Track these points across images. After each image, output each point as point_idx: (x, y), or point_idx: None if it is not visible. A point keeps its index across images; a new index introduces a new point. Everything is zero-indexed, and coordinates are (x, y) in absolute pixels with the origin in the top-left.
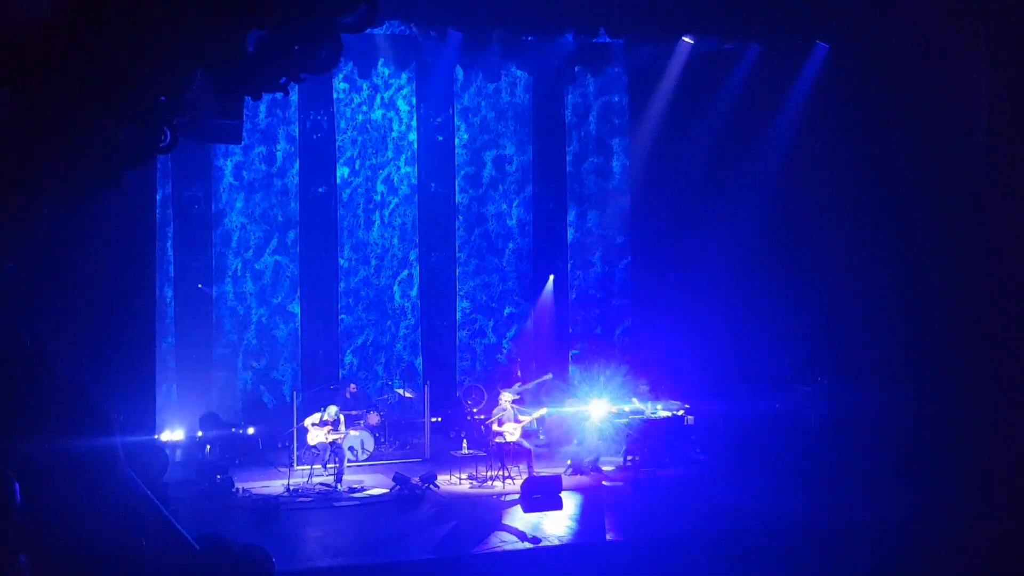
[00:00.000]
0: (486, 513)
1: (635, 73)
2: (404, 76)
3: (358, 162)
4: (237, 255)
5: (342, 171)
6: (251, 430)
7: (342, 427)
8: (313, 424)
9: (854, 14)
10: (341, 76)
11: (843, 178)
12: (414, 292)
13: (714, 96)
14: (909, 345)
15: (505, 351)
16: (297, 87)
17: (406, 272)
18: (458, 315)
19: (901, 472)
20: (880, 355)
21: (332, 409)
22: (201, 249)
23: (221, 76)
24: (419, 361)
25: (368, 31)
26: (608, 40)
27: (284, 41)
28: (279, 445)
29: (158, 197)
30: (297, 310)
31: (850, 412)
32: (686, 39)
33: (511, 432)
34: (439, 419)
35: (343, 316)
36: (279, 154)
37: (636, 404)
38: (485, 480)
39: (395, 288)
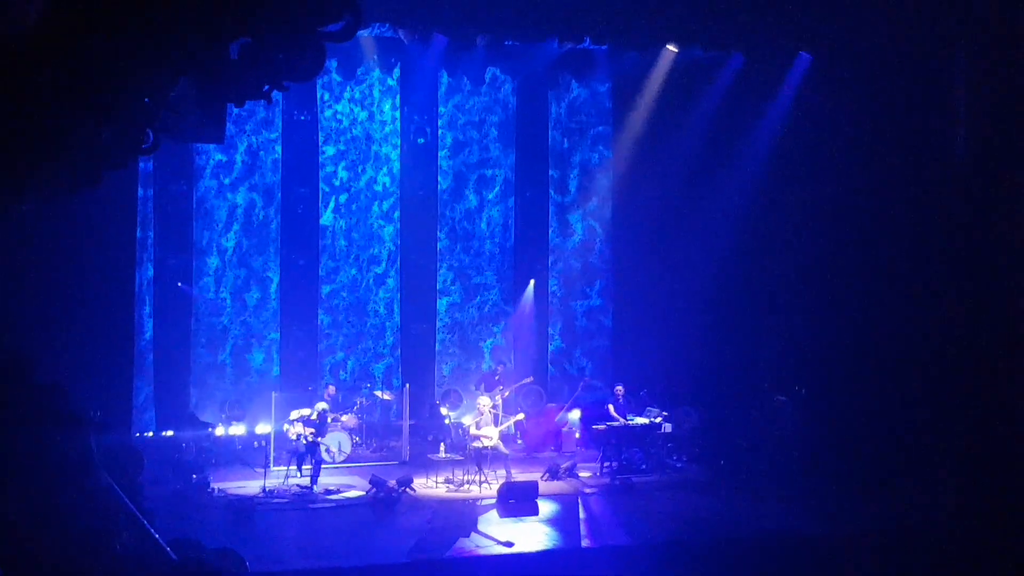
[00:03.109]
0: (462, 517)
1: (619, 80)
2: (389, 78)
3: (341, 163)
4: (217, 255)
5: (324, 172)
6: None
7: (327, 432)
8: (299, 419)
9: (837, 25)
10: (325, 77)
11: (824, 188)
12: (394, 294)
13: (697, 104)
14: (887, 354)
15: (485, 355)
16: None
17: (386, 274)
18: (438, 318)
19: (878, 481)
20: (858, 364)
21: (321, 405)
22: (181, 248)
23: (204, 83)
24: (398, 364)
25: None
26: (592, 47)
27: (268, 49)
28: (256, 445)
29: (139, 195)
30: (277, 310)
31: (827, 421)
32: (670, 47)
33: (489, 436)
34: (414, 422)
35: (323, 317)
36: (261, 154)
37: (612, 411)
38: (462, 484)
39: (376, 290)
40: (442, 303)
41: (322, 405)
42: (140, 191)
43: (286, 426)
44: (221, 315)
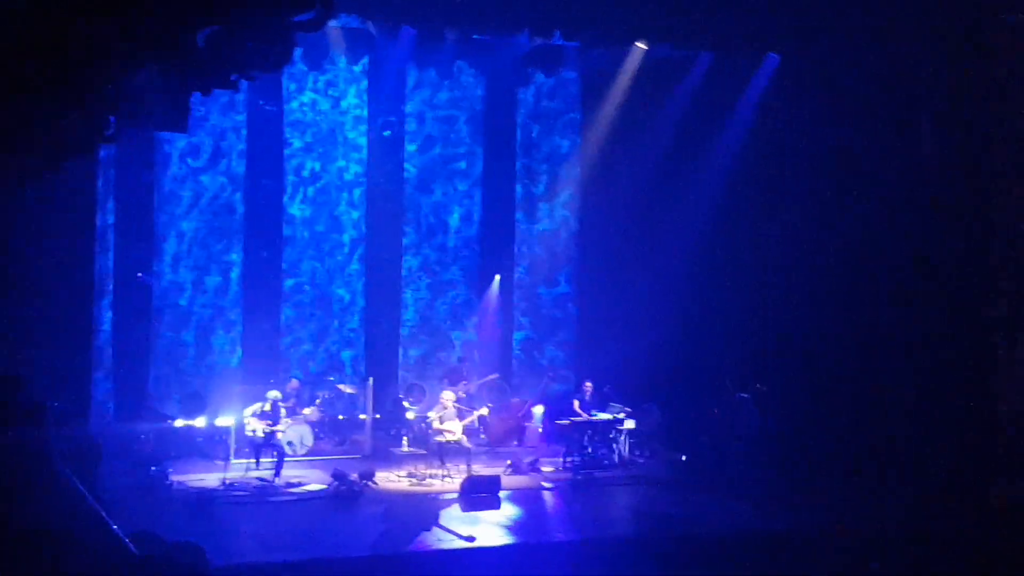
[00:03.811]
0: (424, 511)
1: (588, 76)
2: (356, 69)
3: (306, 155)
4: (179, 245)
5: (290, 163)
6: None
7: (283, 420)
8: (253, 415)
9: (804, 27)
10: (291, 67)
11: (790, 188)
12: (359, 287)
13: (666, 102)
14: (849, 352)
15: (453, 348)
16: None
17: (351, 266)
18: (403, 311)
19: (839, 477)
20: (819, 362)
21: (273, 394)
22: (142, 237)
23: (170, 71)
24: (362, 357)
25: None
26: (562, 43)
27: (236, 38)
28: (216, 438)
29: (99, 184)
30: (239, 302)
31: (788, 418)
32: (639, 44)
33: (452, 431)
34: (378, 415)
35: (287, 310)
36: (225, 144)
37: (577, 407)
38: (424, 478)
39: (340, 283)
40: (408, 295)
41: (273, 393)
42: (100, 179)
43: (245, 421)
44: (183, 305)
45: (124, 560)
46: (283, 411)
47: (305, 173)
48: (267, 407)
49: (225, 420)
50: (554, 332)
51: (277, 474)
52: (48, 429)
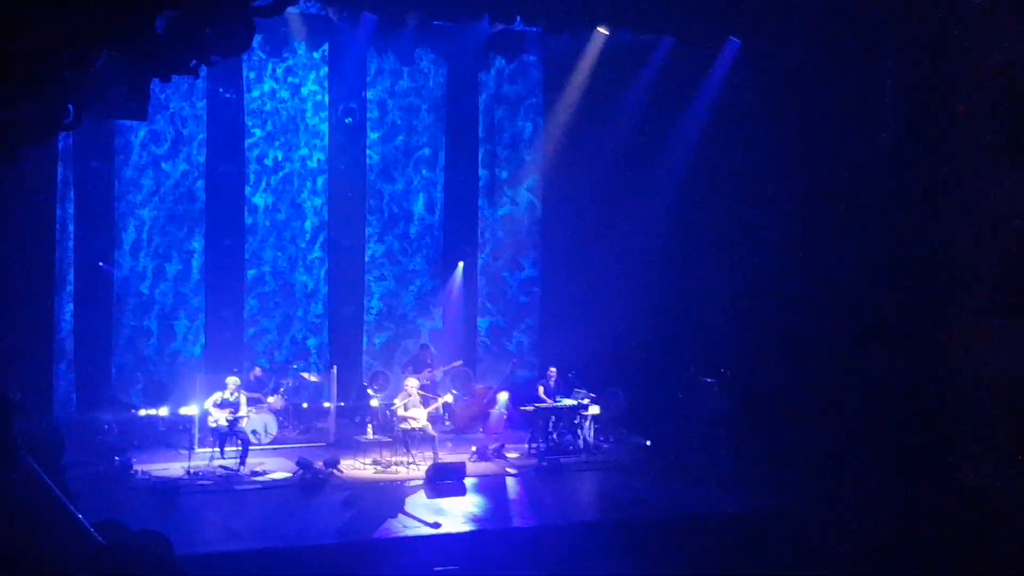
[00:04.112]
0: (390, 498)
1: (550, 62)
2: (317, 57)
3: (266, 143)
4: (139, 233)
5: (250, 152)
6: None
7: (243, 408)
8: (215, 405)
9: (766, 10)
10: (250, 54)
11: (753, 172)
12: (322, 275)
13: (627, 88)
14: (813, 337)
15: (415, 336)
16: None
17: (314, 255)
18: (366, 299)
19: (802, 461)
20: (783, 346)
21: (232, 381)
22: (102, 228)
23: (129, 57)
24: (325, 345)
25: None
26: (524, 28)
27: (196, 23)
28: (180, 427)
29: (59, 172)
30: (202, 291)
31: (752, 403)
32: (601, 30)
33: (417, 418)
34: (343, 403)
35: (249, 299)
36: (186, 132)
37: (541, 392)
38: (390, 465)
39: (303, 272)
40: (372, 283)
41: (232, 379)
42: (60, 168)
43: (208, 411)
44: (145, 294)
45: (90, 549)
46: (243, 398)
47: (268, 162)
48: (228, 395)
49: (189, 409)
50: (520, 318)
51: (242, 463)
52: (11, 421)
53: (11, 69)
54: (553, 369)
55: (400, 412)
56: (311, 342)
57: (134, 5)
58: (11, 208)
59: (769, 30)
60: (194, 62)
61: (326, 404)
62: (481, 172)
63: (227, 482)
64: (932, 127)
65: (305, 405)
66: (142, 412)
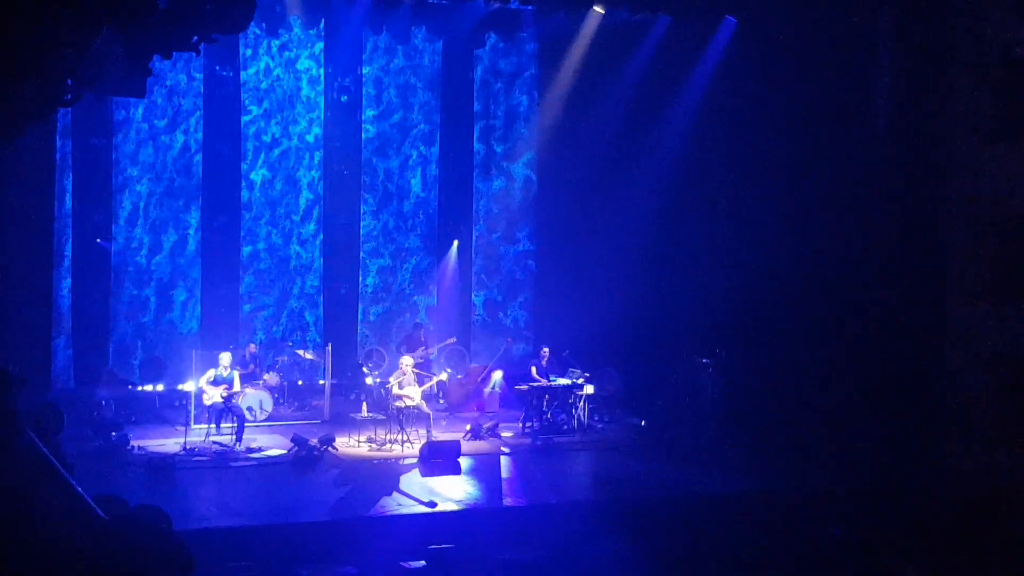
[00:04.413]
0: (384, 476)
1: (545, 41)
2: (313, 34)
3: (263, 119)
4: (137, 210)
5: (246, 129)
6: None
7: (236, 383)
8: (209, 382)
9: None
10: (247, 32)
11: (748, 151)
12: (317, 253)
13: (623, 67)
14: (807, 317)
15: (408, 315)
16: None
17: (310, 232)
18: (361, 277)
19: (796, 441)
20: (777, 327)
21: (225, 357)
22: (100, 203)
23: (130, 33)
24: (320, 322)
25: None
26: (520, 6)
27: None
28: (176, 403)
29: (56, 147)
30: (198, 266)
31: (747, 383)
32: (597, 8)
33: (411, 396)
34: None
35: (245, 276)
36: (183, 109)
37: (534, 372)
38: (384, 443)
39: (298, 249)
40: (365, 262)
41: (225, 356)
42: (58, 144)
43: (202, 389)
44: (141, 270)
45: (91, 523)
46: (237, 374)
47: (266, 138)
48: (221, 371)
49: (185, 386)
50: (515, 293)
51: (238, 439)
52: (13, 395)
53: (11, 47)
54: (546, 349)
55: (395, 390)
56: (308, 316)
57: None
58: (10, 184)
59: (764, 9)
60: (195, 38)
61: (321, 382)
62: (477, 147)
63: (223, 458)
64: (928, 108)
65: (300, 383)
66: (139, 388)
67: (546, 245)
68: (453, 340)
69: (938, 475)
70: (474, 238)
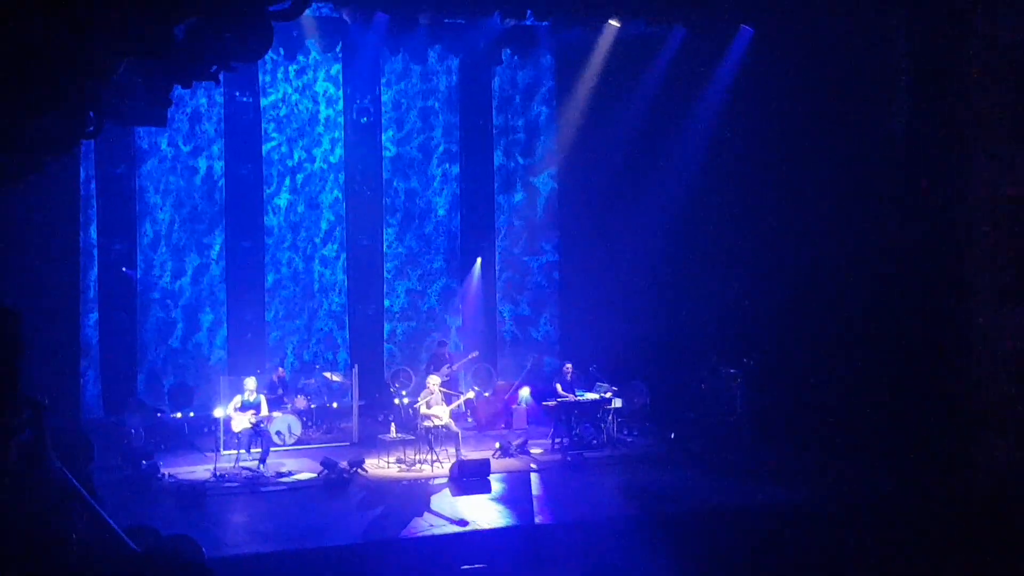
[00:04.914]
0: (415, 497)
1: (562, 56)
2: (331, 58)
3: (284, 145)
4: (161, 237)
5: (268, 154)
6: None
7: (264, 408)
8: (236, 409)
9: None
10: (266, 58)
11: (768, 160)
12: (341, 275)
13: (639, 79)
14: (837, 327)
15: (433, 333)
16: None
17: (334, 255)
18: (385, 298)
19: (828, 453)
20: (807, 336)
21: (250, 382)
22: (125, 232)
23: (150, 64)
24: (347, 344)
25: None
26: (535, 23)
27: (215, 29)
28: (205, 430)
29: (81, 179)
30: (223, 293)
31: (776, 394)
32: (612, 22)
33: (439, 415)
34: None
35: (270, 300)
36: (204, 136)
37: (560, 389)
38: (413, 464)
39: (321, 269)
40: (389, 282)
41: (251, 381)
42: (82, 175)
43: (230, 417)
44: (168, 296)
45: (125, 557)
46: (264, 398)
47: (290, 163)
48: (248, 396)
49: (215, 412)
50: (541, 308)
51: (262, 462)
52: (44, 425)
53: (33, 81)
54: (569, 365)
55: (423, 410)
56: (332, 342)
57: (155, 14)
58: (36, 214)
59: (780, 18)
60: (214, 67)
61: (349, 404)
62: (497, 162)
63: (253, 484)
64: (945, 109)
65: (335, 405)
66: (168, 415)
67: (569, 256)
68: (475, 354)
69: (968, 477)
70: (497, 253)
